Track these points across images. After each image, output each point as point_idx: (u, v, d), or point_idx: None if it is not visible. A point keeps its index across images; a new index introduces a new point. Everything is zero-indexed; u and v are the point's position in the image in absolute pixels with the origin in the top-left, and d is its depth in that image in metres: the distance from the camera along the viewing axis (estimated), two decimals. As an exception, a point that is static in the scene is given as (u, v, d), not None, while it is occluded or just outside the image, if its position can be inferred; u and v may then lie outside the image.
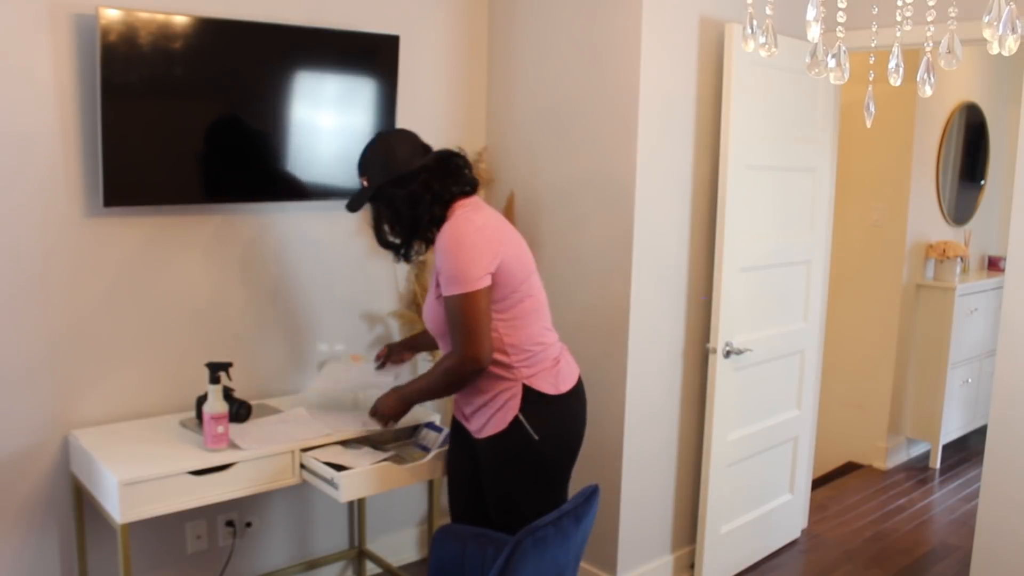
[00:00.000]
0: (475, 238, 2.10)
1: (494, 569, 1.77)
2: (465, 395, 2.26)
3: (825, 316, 3.62)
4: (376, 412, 2.41)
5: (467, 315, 2.08)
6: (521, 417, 2.18)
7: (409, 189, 2.16)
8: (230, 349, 2.77)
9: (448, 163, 2.22)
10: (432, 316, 2.25)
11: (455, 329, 2.11)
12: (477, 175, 3.19)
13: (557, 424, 2.24)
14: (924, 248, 4.53)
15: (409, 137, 2.25)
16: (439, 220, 2.18)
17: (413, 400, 2.36)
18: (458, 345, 2.12)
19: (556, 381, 2.23)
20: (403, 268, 3.17)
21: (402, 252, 2.30)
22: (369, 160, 2.23)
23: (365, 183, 2.23)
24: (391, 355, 2.66)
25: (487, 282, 2.09)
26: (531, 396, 2.19)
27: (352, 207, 2.27)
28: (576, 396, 2.29)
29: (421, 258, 3.16)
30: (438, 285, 2.17)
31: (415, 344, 2.69)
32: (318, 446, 2.46)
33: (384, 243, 2.31)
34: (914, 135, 4.31)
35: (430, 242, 2.25)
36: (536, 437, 2.18)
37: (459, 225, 2.13)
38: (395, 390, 2.40)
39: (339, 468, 2.34)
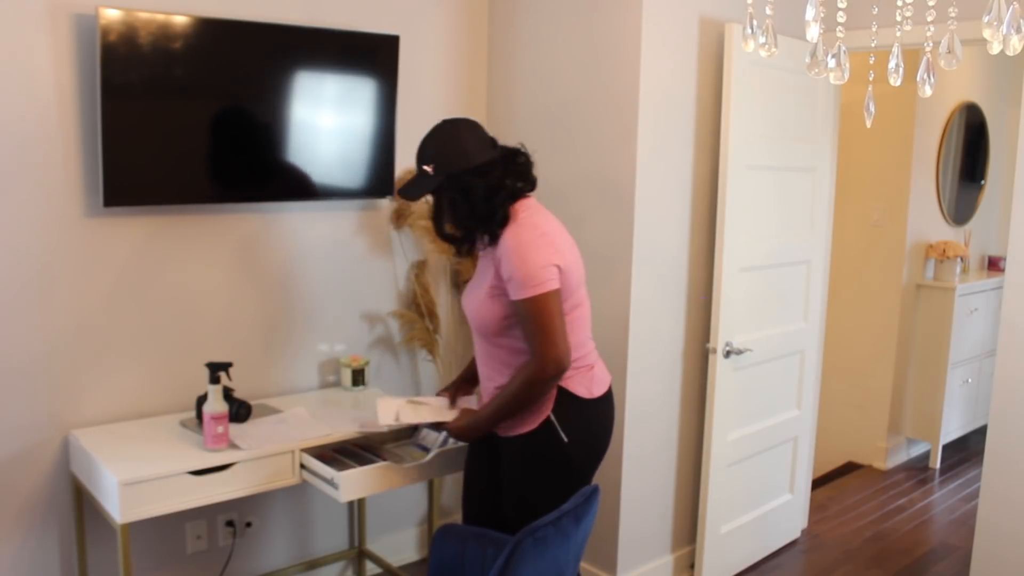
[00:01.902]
0: (541, 243, 2.08)
1: (494, 569, 1.77)
2: (500, 390, 2.21)
3: (825, 316, 3.62)
4: (458, 435, 2.28)
5: (544, 316, 2.04)
6: (553, 418, 2.15)
7: (487, 180, 2.09)
8: (230, 349, 2.77)
9: (516, 159, 2.18)
10: (477, 308, 2.18)
11: (532, 334, 2.06)
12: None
13: (587, 428, 2.21)
14: (924, 248, 4.53)
15: (479, 128, 2.18)
16: (506, 217, 2.12)
17: (488, 424, 2.20)
18: (537, 348, 2.06)
19: (590, 385, 2.21)
20: (403, 268, 3.17)
21: (465, 245, 2.21)
22: (437, 147, 2.12)
23: (430, 171, 2.11)
24: (457, 393, 2.49)
25: (557, 284, 2.06)
26: (564, 398, 2.16)
27: (412, 194, 2.16)
28: (607, 402, 2.26)
29: (421, 258, 3.18)
30: (495, 284, 2.12)
31: (473, 374, 2.49)
32: (318, 446, 2.46)
33: (444, 235, 2.22)
34: (914, 135, 4.31)
35: (494, 238, 2.13)
36: (565, 439, 2.15)
37: (525, 230, 2.09)
38: (467, 413, 2.28)
39: (341, 467, 2.34)
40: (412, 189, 2.17)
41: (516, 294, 2.05)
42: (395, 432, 2.58)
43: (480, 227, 2.13)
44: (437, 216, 2.19)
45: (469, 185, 2.09)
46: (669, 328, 3.03)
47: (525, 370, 2.09)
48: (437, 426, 2.32)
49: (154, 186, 2.52)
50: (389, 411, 2.37)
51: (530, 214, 2.14)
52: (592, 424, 2.23)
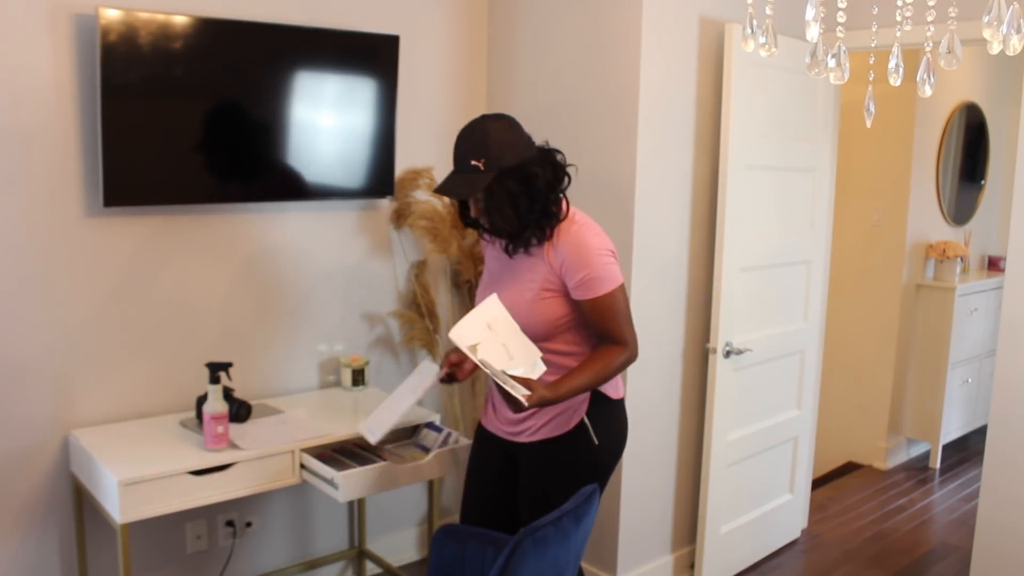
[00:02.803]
0: (604, 239, 2.08)
1: (494, 569, 1.77)
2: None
3: (825, 316, 3.62)
4: (521, 408, 1.98)
5: (626, 306, 2.08)
6: (587, 420, 2.12)
7: (544, 173, 2.03)
8: (230, 349, 2.77)
9: (555, 155, 2.10)
10: (525, 312, 2.06)
11: (617, 324, 2.07)
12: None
13: (615, 429, 2.20)
14: (924, 248, 4.53)
15: (517, 122, 2.09)
16: (564, 212, 2.08)
17: (567, 395, 2.04)
18: (627, 337, 2.09)
19: (617, 384, 2.20)
20: (403, 268, 3.17)
21: (522, 239, 2.07)
22: (485, 143, 2.01)
23: (481, 166, 2.00)
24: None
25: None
26: (598, 398, 2.14)
27: (462, 193, 2.05)
28: (625, 403, 2.26)
29: (421, 258, 3.18)
30: (548, 287, 2.06)
31: None
32: (318, 446, 2.46)
33: (497, 230, 2.10)
34: (914, 135, 4.31)
35: (544, 234, 2.06)
36: (597, 442, 2.13)
37: (587, 228, 2.07)
38: (545, 384, 2.01)
39: (340, 467, 2.34)
40: (464, 187, 2.04)
41: (597, 290, 2.03)
42: (395, 432, 2.58)
43: (540, 221, 2.04)
44: (489, 212, 2.06)
45: (527, 177, 2.01)
46: (669, 328, 3.03)
47: (619, 351, 2.08)
48: (524, 382, 1.97)
49: (154, 186, 2.52)
50: (471, 331, 1.95)
51: (575, 210, 2.10)
52: (619, 425, 2.22)
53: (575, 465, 2.13)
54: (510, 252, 2.12)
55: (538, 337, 2.07)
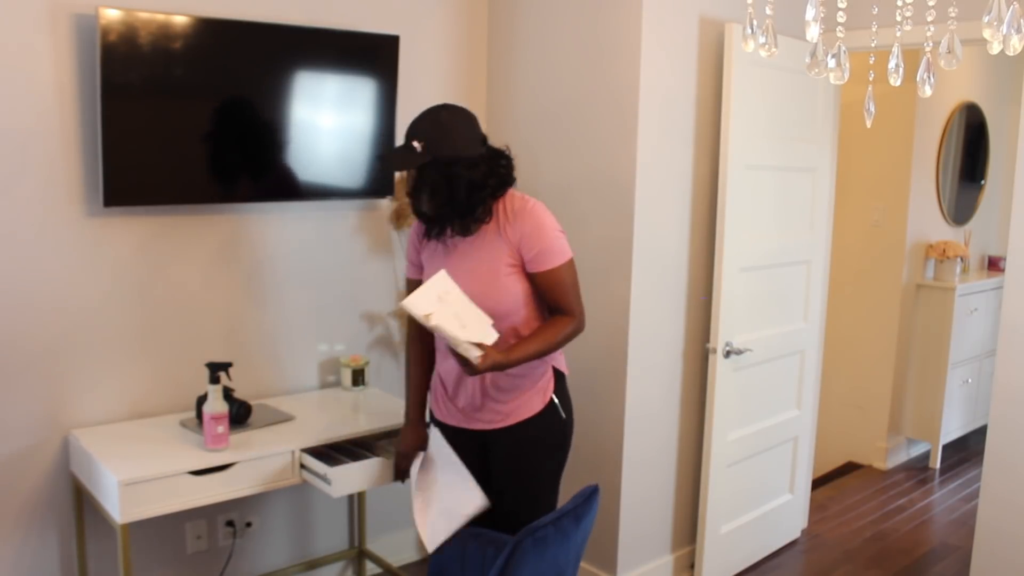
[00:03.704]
0: (555, 219, 2.20)
1: (494, 569, 1.77)
2: (497, 383, 2.19)
3: (825, 316, 3.62)
4: (474, 368, 2.05)
5: (575, 278, 2.20)
6: (555, 398, 2.25)
7: (472, 175, 2.10)
8: (230, 349, 2.77)
9: (499, 160, 2.19)
10: (495, 288, 2.14)
11: (568, 296, 2.19)
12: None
13: (570, 403, 2.32)
14: (924, 248, 4.53)
15: (475, 121, 2.18)
16: (488, 213, 2.15)
17: (516, 361, 2.11)
18: (576, 307, 2.21)
19: (564, 360, 2.32)
20: (403, 268, 3.16)
21: (435, 228, 2.20)
22: (432, 128, 2.11)
23: (419, 148, 2.08)
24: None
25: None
26: (558, 376, 2.28)
27: (394, 166, 2.23)
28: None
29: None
30: (511, 263, 2.15)
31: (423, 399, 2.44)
32: (317, 445, 2.46)
33: (418, 212, 2.22)
34: (914, 135, 4.31)
35: (467, 230, 2.15)
36: (563, 416, 2.26)
37: (541, 207, 2.19)
38: (496, 348, 2.07)
39: (335, 464, 2.35)
40: (397, 161, 2.24)
41: (551, 262, 2.15)
42: (390, 429, 2.59)
43: (456, 217, 2.15)
44: (415, 193, 2.18)
45: (453, 175, 2.09)
46: (669, 328, 3.03)
47: (567, 324, 2.19)
48: (478, 347, 2.02)
49: (154, 186, 2.52)
50: (423, 301, 2.02)
51: (525, 195, 2.22)
52: (570, 398, 2.33)
53: (548, 445, 2.26)
54: (429, 236, 2.22)
55: (506, 312, 2.16)
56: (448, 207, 2.13)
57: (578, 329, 2.22)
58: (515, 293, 2.16)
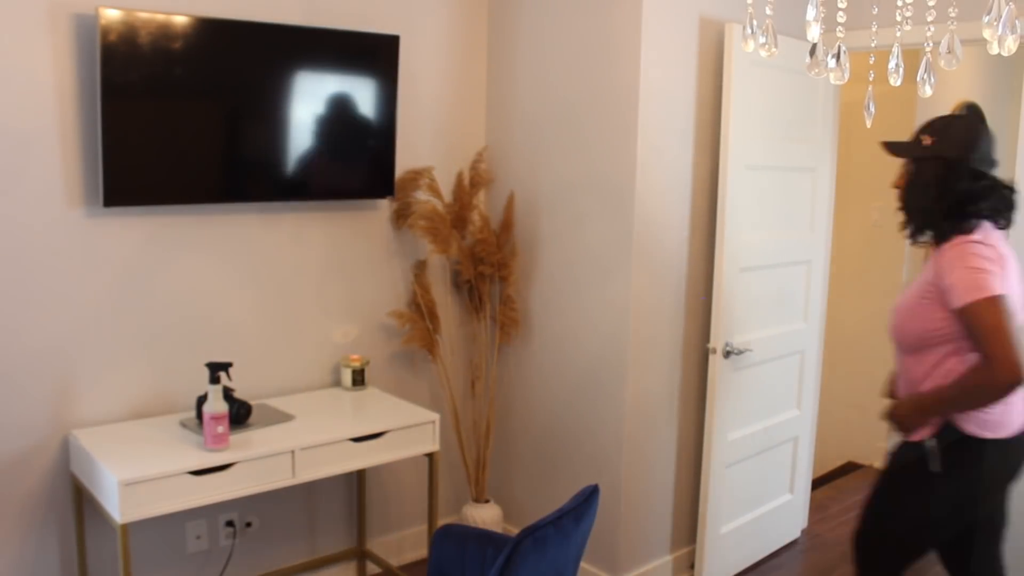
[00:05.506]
0: (981, 258, 2.00)
1: (494, 569, 1.77)
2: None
3: (825, 316, 3.62)
4: (893, 417, 2.17)
5: (991, 319, 1.92)
6: (932, 442, 2.10)
7: (968, 186, 2.06)
8: (230, 349, 2.77)
9: (1003, 189, 2.12)
10: (902, 316, 2.14)
11: (979, 340, 1.95)
12: (477, 175, 3.21)
13: (968, 472, 2.10)
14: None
15: (992, 141, 2.14)
16: (961, 228, 2.06)
17: (932, 412, 2.08)
18: (986, 352, 1.94)
19: (984, 420, 2.05)
20: (403, 268, 3.17)
21: (911, 227, 2.22)
22: (949, 129, 2.14)
23: (928, 142, 2.13)
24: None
25: (1002, 290, 1.95)
26: (952, 426, 2.07)
27: (896, 150, 2.22)
28: (999, 448, 2.09)
29: (421, 258, 3.18)
30: (930, 289, 2.07)
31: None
32: (317, 445, 2.46)
33: (904, 205, 2.25)
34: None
35: (940, 238, 2.11)
36: (938, 470, 2.10)
37: (966, 246, 2.03)
38: (913, 397, 2.12)
39: None
40: (899, 146, 2.23)
41: (959, 300, 1.97)
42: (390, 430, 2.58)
43: (934, 220, 2.12)
44: (909, 187, 2.21)
45: (948, 177, 2.08)
46: (669, 328, 3.03)
47: (976, 369, 1.97)
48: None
49: (154, 186, 2.52)
50: None
51: (984, 236, 2.05)
52: (976, 470, 2.07)
53: (908, 482, 2.15)
54: (911, 238, 2.24)
55: (910, 345, 2.12)
56: (935, 204, 2.11)
57: (988, 379, 1.95)
58: (921, 325, 2.10)
